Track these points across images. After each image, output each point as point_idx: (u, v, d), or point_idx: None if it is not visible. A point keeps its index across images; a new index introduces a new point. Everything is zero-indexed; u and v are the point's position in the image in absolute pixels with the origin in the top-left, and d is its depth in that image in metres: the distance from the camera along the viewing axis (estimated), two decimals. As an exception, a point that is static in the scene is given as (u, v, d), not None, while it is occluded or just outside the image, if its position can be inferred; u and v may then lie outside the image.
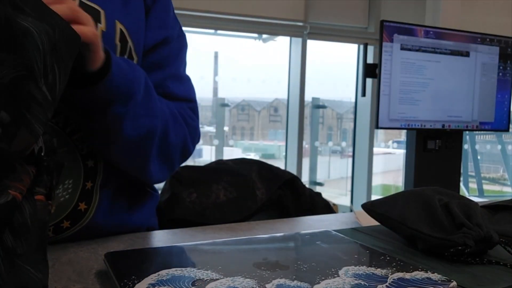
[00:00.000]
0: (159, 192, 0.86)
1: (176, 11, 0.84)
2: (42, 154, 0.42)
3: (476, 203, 0.70)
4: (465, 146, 3.95)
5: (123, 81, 0.61)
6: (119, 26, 0.69)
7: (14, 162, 0.38)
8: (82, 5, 0.64)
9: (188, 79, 0.83)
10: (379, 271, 0.54)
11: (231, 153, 3.32)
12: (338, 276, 0.52)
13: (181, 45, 0.82)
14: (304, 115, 2.95)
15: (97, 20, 0.65)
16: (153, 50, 0.76)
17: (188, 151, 0.80)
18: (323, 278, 0.51)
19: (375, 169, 3.15)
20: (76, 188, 0.68)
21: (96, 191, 0.70)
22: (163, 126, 0.71)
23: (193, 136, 0.80)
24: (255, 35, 3.04)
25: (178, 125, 0.75)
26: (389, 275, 0.53)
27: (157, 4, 0.77)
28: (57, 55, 0.39)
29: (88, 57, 0.56)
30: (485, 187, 4.46)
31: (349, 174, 3.26)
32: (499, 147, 4.34)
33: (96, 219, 0.70)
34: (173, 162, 0.77)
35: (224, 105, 3.12)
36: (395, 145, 4.64)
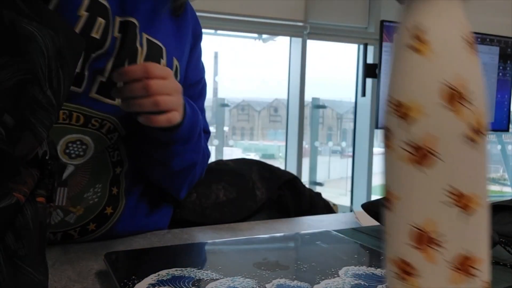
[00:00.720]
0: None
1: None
2: (47, 157, 0.42)
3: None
4: (465, 146, 3.93)
5: (188, 128, 0.68)
6: (175, 62, 0.74)
7: (19, 165, 0.38)
8: (149, 42, 0.69)
9: (205, 112, 0.89)
10: (379, 271, 0.54)
11: (231, 153, 3.33)
12: (338, 276, 0.52)
13: (205, 82, 0.89)
14: (304, 115, 2.95)
15: (160, 56, 0.70)
16: (189, 87, 0.82)
17: (202, 176, 0.88)
18: (323, 278, 0.51)
19: (375, 169, 3.15)
20: (104, 193, 0.70)
21: (122, 197, 0.72)
22: (199, 160, 0.78)
23: (207, 164, 0.88)
24: (255, 35, 3.04)
25: (202, 157, 0.82)
26: (388, 275, 0.53)
27: (196, 47, 0.83)
28: (61, 59, 0.39)
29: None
30: (485, 187, 4.45)
31: (349, 174, 3.26)
32: (499, 147, 4.34)
33: (119, 223, 0.73)
34: (193, 185, 0.85)
35: (224, 105, 3.12)
36: (395, 145, 4.63)
